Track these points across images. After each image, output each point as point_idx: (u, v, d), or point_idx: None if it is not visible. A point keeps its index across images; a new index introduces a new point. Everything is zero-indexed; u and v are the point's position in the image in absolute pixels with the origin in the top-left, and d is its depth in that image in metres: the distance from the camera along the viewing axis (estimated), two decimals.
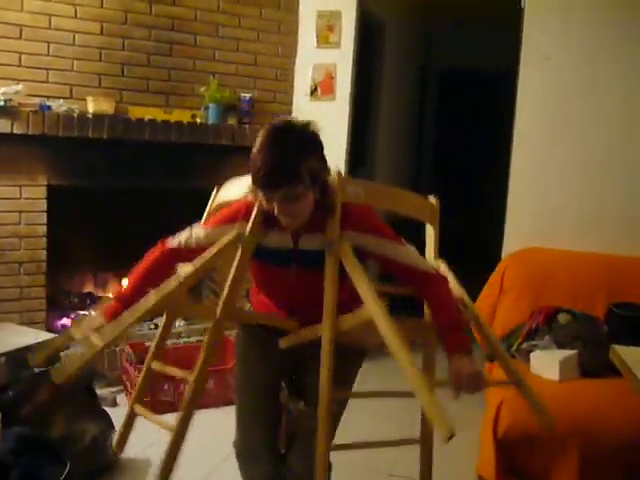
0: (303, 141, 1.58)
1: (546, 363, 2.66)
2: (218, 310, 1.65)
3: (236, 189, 1.82)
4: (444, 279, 1.76)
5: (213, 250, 1.66)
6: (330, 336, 1.59)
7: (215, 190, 1.94)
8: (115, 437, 1.76)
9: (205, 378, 1.75)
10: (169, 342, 3.61)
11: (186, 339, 3.61)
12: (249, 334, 1.89)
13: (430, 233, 1.93)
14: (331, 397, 1.58)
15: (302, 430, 1.81)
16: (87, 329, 1.63)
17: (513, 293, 3.13)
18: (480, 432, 2.47)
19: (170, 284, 1.59)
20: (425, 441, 1.83)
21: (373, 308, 1.50)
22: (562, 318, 2.82)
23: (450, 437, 1.27)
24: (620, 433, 2.29)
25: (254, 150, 1.57)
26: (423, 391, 1.37)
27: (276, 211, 1.56)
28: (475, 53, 5.64)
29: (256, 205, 1.66)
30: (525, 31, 3.38)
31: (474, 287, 2.85)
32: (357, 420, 2.35)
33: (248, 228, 1.65)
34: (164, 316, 1.81)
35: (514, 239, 3.37)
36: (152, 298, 1.57)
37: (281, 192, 1.53)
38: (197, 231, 1.77)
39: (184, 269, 1.65)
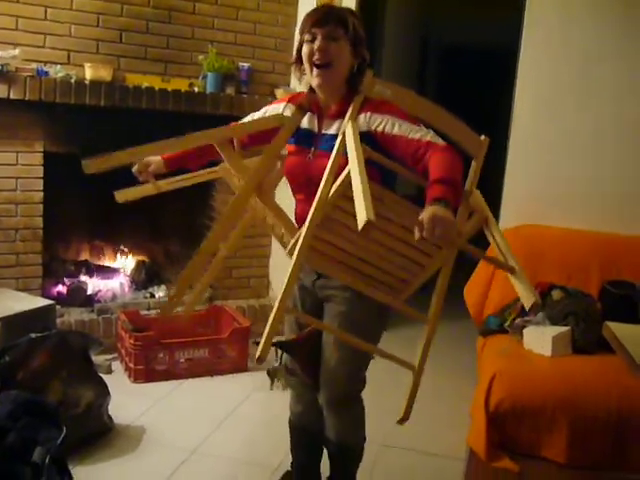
0: (348, 8, 1.91)
1: (539, 339, 2.69)
2: (247, 177, 1.78)
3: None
4: (451, 149, 1.65)
5: (259, 116, 1.93)
6: (320, 199, 1.60)
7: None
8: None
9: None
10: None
11: (181, 307, 3.61)
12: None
13: (474, 167, 1.74)
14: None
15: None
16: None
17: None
18: (471, 405, 2.51)
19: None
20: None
21: (350, 160, 1.52)
22: (556, 294, 2.83)
23: (366, 220, 1.26)
24: (609, 409, 2.32)
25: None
26: (360, 184, 1.38)
27: (317, 45, 1.73)
28: (476, 28, 5.58)
29: (304, 92, 1.89)
30: (527, 8, 3.35)
31: (470, 263, 2.87)
32: None
33: (292, 108, 1.87)
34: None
35: (510, 216, 3.38)
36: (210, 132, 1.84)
37: (327, 28, 1.73)
38: (255, 113, 2.00)
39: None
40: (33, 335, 2.40)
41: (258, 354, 1.47)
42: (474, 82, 6.14)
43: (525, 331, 2.76)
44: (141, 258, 3.97)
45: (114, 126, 3.37)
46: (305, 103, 1.86)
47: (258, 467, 2.48)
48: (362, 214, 1.30)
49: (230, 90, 3.62)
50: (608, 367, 2.43)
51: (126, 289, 3.76)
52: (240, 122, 1.99)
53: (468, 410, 2.56)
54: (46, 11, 3.20)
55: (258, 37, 3.76)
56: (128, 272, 3.87)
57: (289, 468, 2.22)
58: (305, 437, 2.12)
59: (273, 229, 1.89)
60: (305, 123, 1.86)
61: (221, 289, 3.86)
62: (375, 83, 1.67)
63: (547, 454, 2.36)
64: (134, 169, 2.00)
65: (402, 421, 1.68)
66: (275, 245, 3.87)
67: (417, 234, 1.40)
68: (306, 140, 1.85)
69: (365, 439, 2.03)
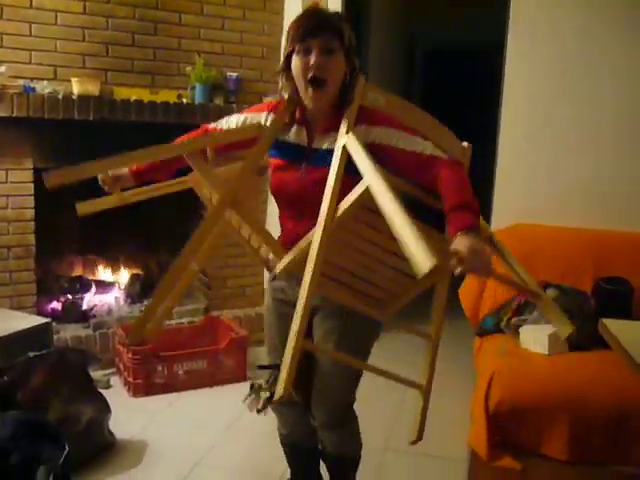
0: (339, 13, 1.75)
1: (535, 337, 2.70)
2: (222, 191, 1.66)
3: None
4: (459, 163, 1.62)
5: (239, 126, 1.79)
6: (328, 220, 1.49)
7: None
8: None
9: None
10: None
11: (178, 320, 3.62)
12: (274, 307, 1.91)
13: None
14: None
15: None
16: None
17: (502, 269, 3.16)
18: (471, 406, 2.52)
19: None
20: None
21: (371, 178, 1.38)
22: (550, 293, 2.85)
23: (432, 267, 1.15)
24: (608, 405, 2.34)
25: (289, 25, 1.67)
26: (405, 224, 1.25)
27: (312, 61, 1.59)
28: (462, 28, 5.61)
29: (283, 100, 1.74)
30: (513, 5, 3.37)
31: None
32: None
33: (272, 117, 1.73)
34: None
35: (502, 215, 3.39)
36: (180, 139, 1.81)
37: (322, 39, 1.59)
38: (232, 117, 1.85)
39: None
40: (31, 354, 2.39)
41: (279, 395, 1.39)
42: (461, 81, 6.16)
43: (521, 330, 2.78)
44: (135, 271, 3.96)
45: (104, 140, 3.36)
46: (287, 114, 1.73)
47: (261, 477, 2.48)
48: (424, 259, 1.16)
49: (219, 100, 3.63)
50: (605, 363, 2.45)
51: (121, 303, 3.75)
52: (215, 129, 1.86)
53: (468, 411, 2.58)
54: (31, 27, 3.19)
55: (245, 46, 3.77)
56: (123, 286, 3.86)
57: (289, 477, 2.21)
58: (299, 453, 2.10)
59: (249, 242, 1.79)
60: (292, 136, 1.73)
61: (216, 299, 3.85)
62: (368, 90, 1.63)
63: (548, 451, 2.37)
64: (99, 179, 1.92)
65: (415, 442, 1.65)
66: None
67: (455, 266, 1.35)
68: (295, 155, 1.72)
69: (362, 445, 2.01)
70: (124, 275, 3.92)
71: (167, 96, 3.50)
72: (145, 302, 3.78)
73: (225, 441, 2.75)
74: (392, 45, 5.46)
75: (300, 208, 1.71)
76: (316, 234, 1.50)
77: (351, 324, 1.75)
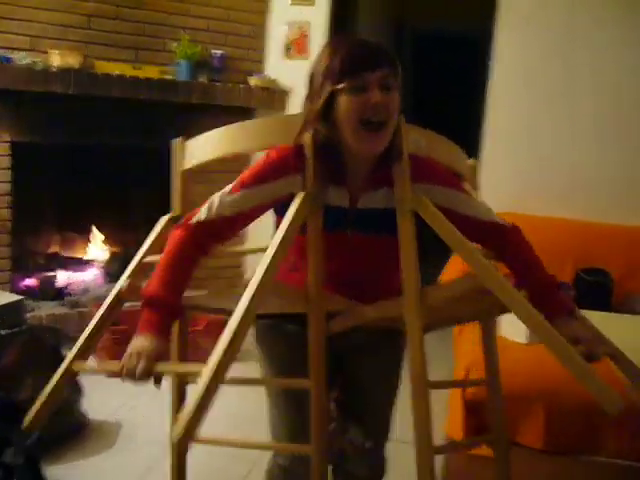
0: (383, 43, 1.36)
1: (514, 326, 2.70)
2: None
3: (224, 144, 1.50)
4: (519, 230, 1.49)
5: (286, 223, 1.25)
6: (416, 310, 1.28)
7: (176, 154, 1.55)
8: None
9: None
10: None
11: None
12: (275, 329, 1.54)
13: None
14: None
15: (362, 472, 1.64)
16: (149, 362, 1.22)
17: None
18: (449, 394, 2.51)
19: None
20: None
21: (484, 272, 1.24)
22: None
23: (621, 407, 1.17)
24: (584, 394, 2.32)
25: (319, 59, 1.32)
26: (584, 373, 1.23)
27: (375, 99, 1.25)
28: (451, 14, 5.57)
29: (308, 150, 1.32)
30: None
31: (446, 253, 2.87)
32: None
33: (310, 183, 1.30)
34: None
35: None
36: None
37: (381, 74, 1.26)
38: (229, 198, 1.35)
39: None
40: (2, 332, 2.34)
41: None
42: (449, 68, 6.13)
43: (501, 318, 2.78)
44: (114, 249, 3.90)
45: (84, 115, 3.29)
46: (319, 167, 1.33)
47: (238, 458, 2.46)
48: (615, 398, 1.18)
49: (203, 78, 3.56)
50: None
51: (99, 281, 3.69)
52: (213, 221, 1.34)
53: (446, 398, 2.57)
54: None
55: (231, 24, 3.70)
56: (101, 264, 3.80)
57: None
58: None
59: None
60: (332, 198, 1.36)
61: (194, 280, 3.80)
62: (409, 131, 1.36)
63: (524, 440, 2.38)
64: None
65: None
66: (249, 234, 3.82)
67: (583, 353, 1.31)
68: (333, 220, 1.36)
69: None
70: (102, 253, 3.86)
71: (150, 72, 3.43)
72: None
73: (200, 423, 2.73)
74: (380, 29, 5.40)
75: (339, 283, 1.41)
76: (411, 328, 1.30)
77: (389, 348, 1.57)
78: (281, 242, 1.22)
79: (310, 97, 1.33)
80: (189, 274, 1.36)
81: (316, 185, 1.31)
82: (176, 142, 1.56)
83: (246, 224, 1.40)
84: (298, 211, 1.26)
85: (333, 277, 1.37)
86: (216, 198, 1.36)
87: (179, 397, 1.52)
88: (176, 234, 1.37)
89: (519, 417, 2.37)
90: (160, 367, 1.22)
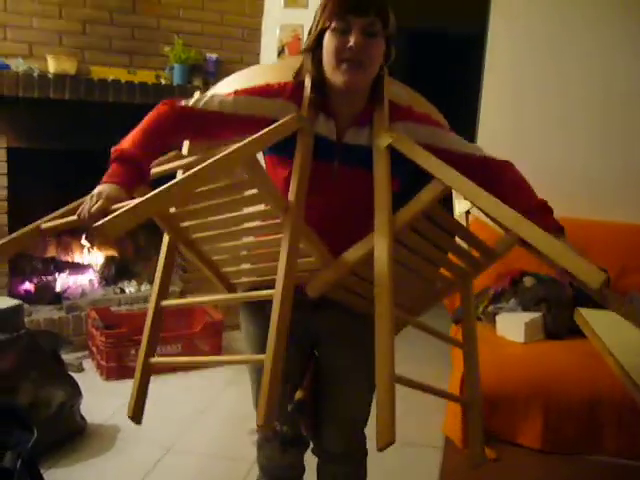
0: None
1: (511, 325, 2.71)
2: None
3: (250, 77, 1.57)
4: (510, 163, 1.52)
5: (271, 128, 1.28)
6: (388, 241, 1.25)
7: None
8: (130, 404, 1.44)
9: None
10: (136, 307, 3.59)
11: None
12: (255, 309, 1.60)
13: None
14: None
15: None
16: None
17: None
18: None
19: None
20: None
21: (454, 177, 1.27)
22: (528, 281, 2.87)
23: (604, 280, 1.12)
24: (582, 394, 2.36)
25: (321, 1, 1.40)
26: (562, 253, 1.17)
27: (353, 41, 1.33)
28: (443, 13, 5.58)
29: (307, 82, 1.42)
30: None
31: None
32: None
33: (293, 107, 1.39)
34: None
35: None
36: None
37: (366, 20, 1.34)
38: (222, 96, 1.41)
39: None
40: (1, 336, 2.34)
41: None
42: (442, 63, 6.14)
43: (498, 318, 2.79)
44: (110, 253, 3.90)
45: (80, 120, 3.30)
46: (310, 100, 1.41)
47: (235, 462, 2.46)
48: (596, 272, 1.13)
49: (198, 82, 3.57)
50: (580, 352, 2.47)
51: (95, 285, 3.70)
52: (192, 108, 1.40)
53: (445, 399, 2.58)
54: (5, 2, 3.11)
55: (225, 27, 3.71)
56: (97, 268, 3.80)
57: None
58: None
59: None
60: (321, 128, 1.42)
61: (192, 283, 3.80)
62: (391, 83, 1.47)
63: (522, 440, 2.39)
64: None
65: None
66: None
67: (564, 279, 1.33)
68: (321, 150, 1.40)
69: None
70: (98, 257, 3.87)
71: (145, 76, 3.43)
72: (119, 284, 3.73)
73: (199, 426, 2.73)
74: None
75: (324, 220, 1.40)
76: (379, 249, 1.26)
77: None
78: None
79: (309, 35, 1.44)
80: (162, 143, 1.40)
81: (310, 112, 1.39)
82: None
83: (224, 134, 1.44)
84: (287, 122, 1.32)
85: (315, 213, 1.38)
86: (209, 93, 1.44)
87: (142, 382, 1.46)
88: (160, 107, 1.42)
89: (518, 416, 2.38)
90: (117, 207, 1.13)
